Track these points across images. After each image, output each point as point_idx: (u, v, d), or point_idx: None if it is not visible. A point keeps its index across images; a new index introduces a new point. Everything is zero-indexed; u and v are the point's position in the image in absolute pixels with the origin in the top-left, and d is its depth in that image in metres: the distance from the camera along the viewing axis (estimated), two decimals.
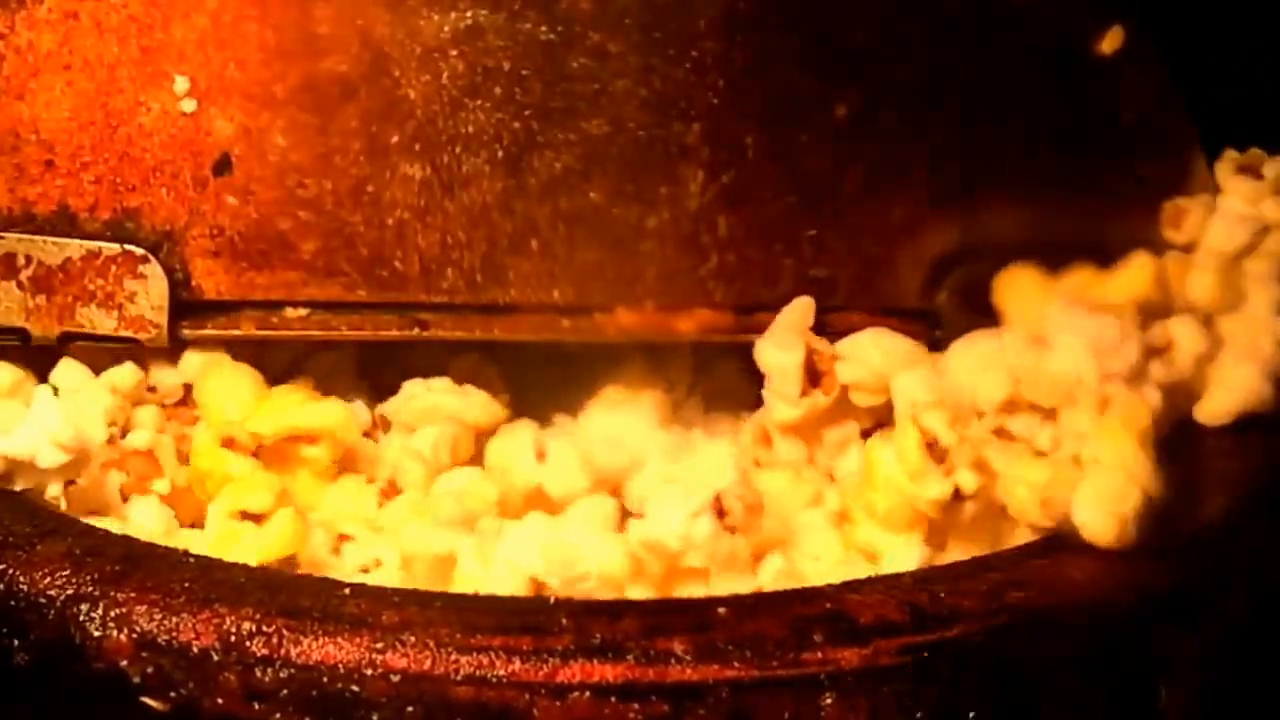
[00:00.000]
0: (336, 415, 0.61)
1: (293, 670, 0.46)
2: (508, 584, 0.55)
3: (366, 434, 0.64)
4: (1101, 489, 0.54)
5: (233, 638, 0.47)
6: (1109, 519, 0.53)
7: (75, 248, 0.60)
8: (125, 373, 0.62)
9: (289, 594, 0.48)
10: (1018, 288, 0.62)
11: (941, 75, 0.63)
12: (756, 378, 0.62)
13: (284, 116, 0.60)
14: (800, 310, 0.62)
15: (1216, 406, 0.62)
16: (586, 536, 0.56)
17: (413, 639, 0.46)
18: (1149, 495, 0.54)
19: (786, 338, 0.61)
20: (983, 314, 0.62)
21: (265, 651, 0.47)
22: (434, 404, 0.63)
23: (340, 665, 0.46)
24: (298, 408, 0.61)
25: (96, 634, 0.48)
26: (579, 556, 0.55)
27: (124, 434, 0.61)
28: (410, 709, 0.46)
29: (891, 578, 0.52)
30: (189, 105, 0.60)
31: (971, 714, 0.48)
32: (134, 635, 0.47)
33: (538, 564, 0.55)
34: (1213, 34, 0.79)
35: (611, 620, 0.47)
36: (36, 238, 0.60)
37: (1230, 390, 0.62)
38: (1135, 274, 0.63)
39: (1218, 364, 0.62)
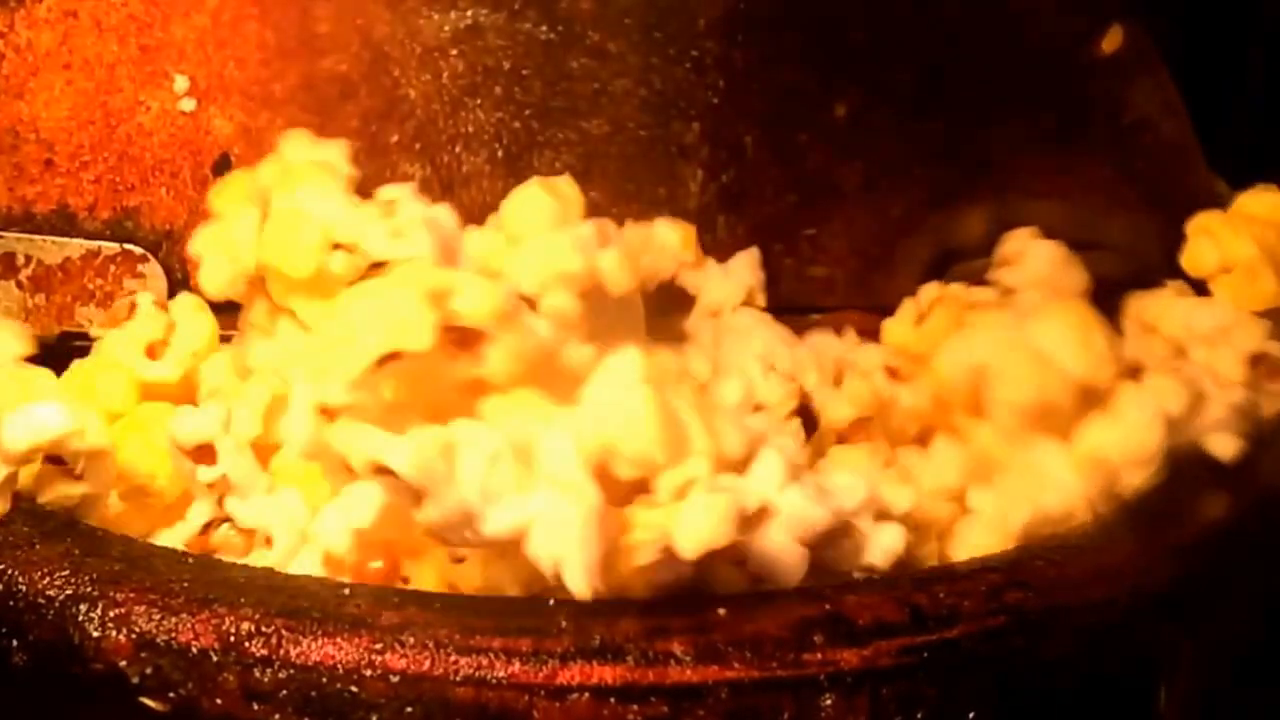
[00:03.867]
0: None
1: (292, 671, 0.46)
2: None
3: None
4: None
5: (232, 638, 0.47)
6: None
7: (75, 247, 0.60)
8: None
9: (288, 594, 0.48)
10: None
11: (941, 75, 0.63)
12: None
13: (284, 115, 0.60)
14: None
15: None
16: None
17: (412, 640, 0.46)
18: None
19: None
20: None
21: (264, 652, 0.47)
22: None
23: (339, 666, 0.46)
24: None
25: (95, 634, 0.47)
26: None
27: None
28: (409, 710, 0.46)
29: (891, 578, 0.52)
30: (188, 104, 0.60)
31: (971, 714, 0.48)
32: (133, 635, 0.47)
33: None
34: (1213, 34, 0.80)
35: (611, 621, 0.47)
36: (36, 237, 0.60)
37: None
38: None
39: None
